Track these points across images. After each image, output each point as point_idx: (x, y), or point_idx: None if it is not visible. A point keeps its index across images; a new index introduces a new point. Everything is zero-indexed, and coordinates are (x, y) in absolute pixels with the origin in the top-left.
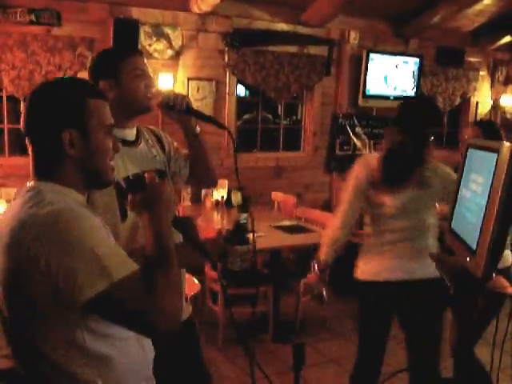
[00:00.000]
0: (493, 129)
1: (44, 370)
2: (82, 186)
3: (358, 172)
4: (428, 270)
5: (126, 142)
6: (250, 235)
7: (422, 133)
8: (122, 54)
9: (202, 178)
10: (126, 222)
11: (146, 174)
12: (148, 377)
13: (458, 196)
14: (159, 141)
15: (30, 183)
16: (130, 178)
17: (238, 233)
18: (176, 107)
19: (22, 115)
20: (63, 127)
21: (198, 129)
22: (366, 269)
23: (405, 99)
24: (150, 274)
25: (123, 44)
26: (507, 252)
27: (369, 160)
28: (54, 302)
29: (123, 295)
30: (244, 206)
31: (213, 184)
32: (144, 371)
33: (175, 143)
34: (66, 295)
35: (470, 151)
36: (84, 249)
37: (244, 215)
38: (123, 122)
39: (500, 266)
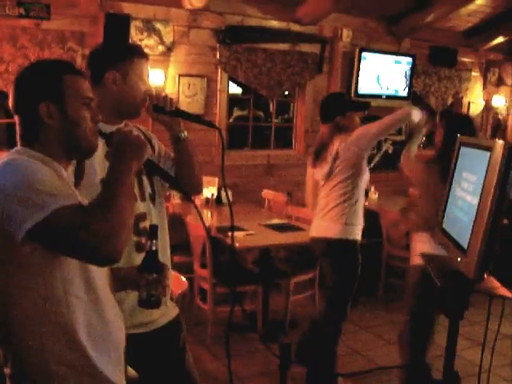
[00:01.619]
0: (458, 122)
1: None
2: (64, 156)
3: None
4: None
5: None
6: (161, 262)
7: None
8: (134, 52)
9: (186, 184)
10: None
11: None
12: (112, 353)
13: (450, 195)
14: (148, 140)
15: (14, 148)
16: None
17: (148, 260)
18: (165, 108)
19: (10, 94)
20: (40, 100)
21: (185, 133)
22: None
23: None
24: (94, 210)
25: (128, 42)
26: None
27: None
28: (7, 248)
29: (58, 223)
30: (152, 234)
31: (196, 191)
32: (104, 343)
33: (163, 146)
34: (7, 234)
35: (462, 149)
36: (24, 186)
37: (155, 242)
38: (112, 118)
39: None
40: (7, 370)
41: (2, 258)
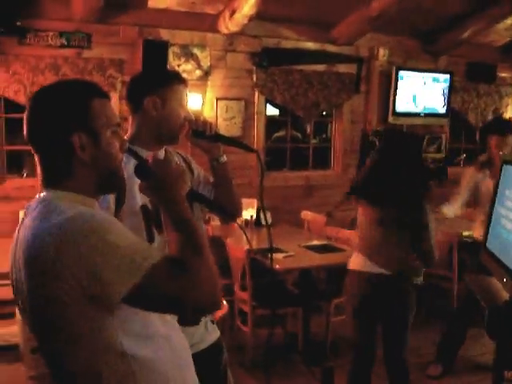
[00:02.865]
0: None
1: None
2: (94, 192)
3: None
4: None
5: None
6: None
7: None
8: (173, 78)
9: (226, 207)
10: (153, 244)
11: (148, 158)
12: (178, 377)
13: (493, 214)
14: (188, 165)
15: (40, 195)
16: (135, 166)
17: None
18: (205, 133)
19: (25, 123)
20: (72, 130)
21: (224, 157)
22: None
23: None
24: (181, 254)
25: (166, 68)
26: None
27: None
28: (88, 310)
29: (156, 283)
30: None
31: (236, 214)
32: (171, 371)
33: (202, 170)
34: (101, 300)
35: (505, 167)
36: (107, 247)
37: None
38: (151, 144)
39: None
40: None
41: (81, 323)
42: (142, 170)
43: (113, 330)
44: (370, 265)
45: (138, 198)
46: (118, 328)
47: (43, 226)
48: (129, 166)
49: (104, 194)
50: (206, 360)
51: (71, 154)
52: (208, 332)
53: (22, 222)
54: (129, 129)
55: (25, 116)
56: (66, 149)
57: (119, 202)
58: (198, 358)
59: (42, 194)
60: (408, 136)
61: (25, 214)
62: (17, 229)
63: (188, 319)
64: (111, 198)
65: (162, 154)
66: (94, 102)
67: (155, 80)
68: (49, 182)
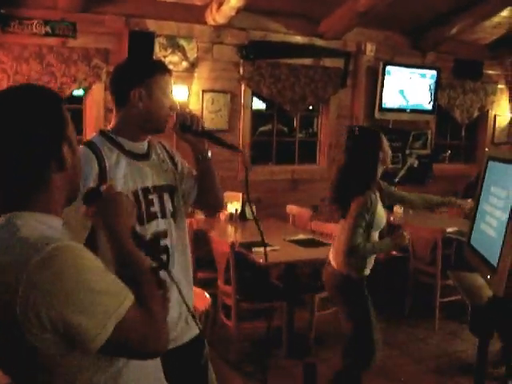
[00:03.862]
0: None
1: None
2: (61, 207)
3: None
4: None
5: (135, 156)
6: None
7: None
8: (158, 68)
9: (208, 203)
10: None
11: (103, 186)
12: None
13: (478, 210)
14: (171, 157)
15: (1, 219)
16: (86, 189)
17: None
18: (192, 128)
19: None
20: (61, 140)
21: (209, 153)
22: None
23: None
24: (141, 298)
25: (152, 58)
26: None
27: None
28: (61, 353)
29: (128, 329)
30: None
31: (219, 207)
32: (154, 373)
33: (186, 163)
34: (74, 344)
35: (491, 163)
36: (83, 294)
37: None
38: (136, 135)
39: None
40: None
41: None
42: (92, 195)
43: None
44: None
45: (119, 188)
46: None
47: (7, 263)
48: (112, 155)
49: (68, 205)
50: (186, 354)
51: (55, 165)
52: (189, 326)
53: None
54: (113, 119)
55: None
56: (47, 161)
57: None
58: (178, 352)
59: (3, 219)
60: (366, 133)
61: None
62: None
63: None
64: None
65: (144, 145)
66: (64, 110)
67: (140, 71)
68: (12, 202)
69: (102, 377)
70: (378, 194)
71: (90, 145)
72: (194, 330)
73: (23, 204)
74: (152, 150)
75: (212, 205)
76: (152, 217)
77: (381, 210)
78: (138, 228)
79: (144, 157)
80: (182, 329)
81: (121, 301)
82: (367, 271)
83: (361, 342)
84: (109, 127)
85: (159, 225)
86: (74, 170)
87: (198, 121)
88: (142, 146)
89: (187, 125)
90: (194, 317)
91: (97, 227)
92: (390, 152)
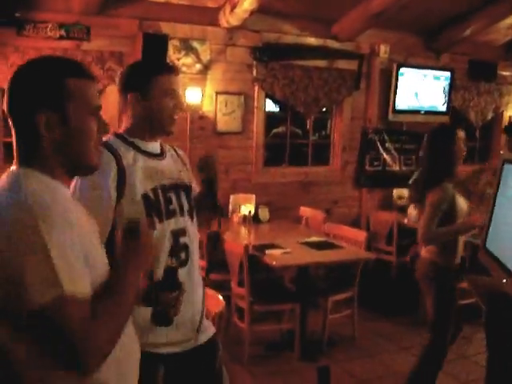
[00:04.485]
0: None
1: None
2: (65, 176)
3: None
4: None
5: (151, 154)
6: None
7: None
8: (155, 69)
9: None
10: (154, 233)
11: (142, 221)
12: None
13: (493, 214)
14: (184, 164)
15: (12, 168)
16: (129, 221)
17: (169, 278)
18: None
19: (4, 97)
20: (38, 109)
21: None
22: None
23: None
24: (99, 302)
25: (157, 59)
26: None
27: None
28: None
29: (65, 313)
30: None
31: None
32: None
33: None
34: (12, 298)
35: (506, 166)
36: (40, 250)
37: (169, 258)
38: (147, 135)
39: None
40: None
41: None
42: (132, 229)
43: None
44: None
45: (139, 186)
46: None
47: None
48: (128, 154)
49: (72, 177)
50: (201, 356)
51: (37, 132)
52: (203, 328)
53: None
54: (124, 122)
55: (6, 88)
56: (32, 127)
57: (120, 192)
58: (193, 354)
59: (12, 168)
60: (441, 129)
61: None
62: None
63: (68, 364)
64: (112, 187)
65: (157, 145)
66: (70, 82)
67: (133, 76)
68: (20, 158)
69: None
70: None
71: (106, 146)
72: (209, 332)
73: (26, 160)
74: (165, 150)
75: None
76: (171, 214)
77: (461, 202)
78: (157, 225)
79: (159, 156)
80: (196, 331)
81: (72, 281)
82: (457, 259)
83: (438, 336)
84: (120, 130)
85: (178, 222)
86: (65, 141)
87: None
88: (155, 146)
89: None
90: (208, 318)
91: (118, 252)
92: (463, 147)
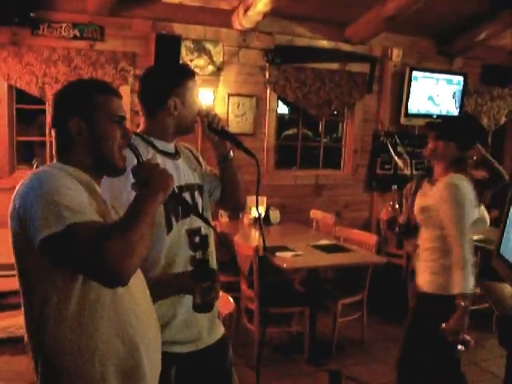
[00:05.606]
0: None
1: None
2: (95, 172)
3: None
4: None
5: (168, 154)
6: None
7: None
8: (188, 75)
9: (231, 203)
10: (170, 233)
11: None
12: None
13: (508, 219)
14: (195, 158)
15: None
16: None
17: (201, 268)
18: (211, 126)
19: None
20: (71, 116)
21: (231, 154)
22: None
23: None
24: (112, 224)
25: (177, 65)
26: None
27: None
28: (31, 252)
29: (72, 240)
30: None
31: (241, 208)
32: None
33: (208, 166)
34: (29, 239)
35: None
36: (45, 195)
37: (199, 252)
38: (168, 136)
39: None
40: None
41: (32, 262)
42: (137, 167)
43: (61, 282)
44: None
45: None
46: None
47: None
48: (147, 153)
49: (100, 175)
50: (211, 356)
51: (70, 135)
52: (214, 328)
53: None
54: (143, 123)
55: (52, 101)
56: (66, 131)
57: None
58: (204, 353)
59: (52, 162)
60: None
61: None
62: None
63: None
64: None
65: (172, 146)
66: (97, 97)
67: (172, 80)
68: (57, 156)
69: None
70: None
71: (127, 144)
72: (220, 331)
73: (61, 158)
74: (179, 150)
75: (234, 205)
76: (186, 214)
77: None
78: (174, 225)
79: (174, 155)
80: (207, 330)
81: (73, 214)
82: None
83: None
84: (138, 130)
85: (193, 222)
86: (92, 144)
87: (219, 120)
88: (171, 146)
89: (212, 124)
90: (219, 318)
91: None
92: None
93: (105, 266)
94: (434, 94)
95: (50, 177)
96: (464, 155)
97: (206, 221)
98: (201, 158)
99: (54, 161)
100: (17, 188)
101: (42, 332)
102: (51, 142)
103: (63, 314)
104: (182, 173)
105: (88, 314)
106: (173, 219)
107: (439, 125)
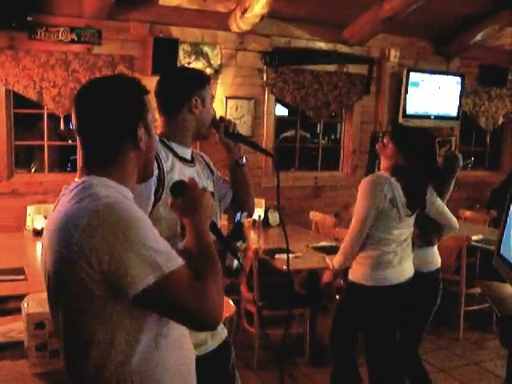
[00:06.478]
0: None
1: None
2: (134, 181)
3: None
4: None
5: (186, 161)
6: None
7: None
8: (207, 78)
9: (242, 208)
10: (185, 240)
11: (187, 180)
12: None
13: (508, 219)
14: (207, 165)
15: (81, 179)
16: (173, 182)
17: (238, 229)
18: (228, 131)
19: (75, 114)
20: (139, 121)
21: (244, 159)
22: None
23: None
24: (197, 269)
25: (197, 70)
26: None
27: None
28: (106, 297)
29: (172, 289)
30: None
31: (252, 213)
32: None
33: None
34: (117, 288)
35: None
36: (135, 241)
37: (239, 214)
38: (187, 141)
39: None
40: None
41: (88, 308)
42: (178, 187)
43: (130, 323)
44: None
45: None
46: (135, 323)
47: (76, 208)
48: (168, 159)
49: (141, 183)
50: (214, 360)
51: (131, 143)
52: (217, 332)
53: (58, 201)
54: (163, 125)
55: (79, 106)
56: (129, 138)
57: (157, 194)
58: (207, 357)
59: (82, 178)
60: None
61: (62, 194)
62: (53, 207)
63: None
64: (152, 191)
65: (190, 152)
66: (146, 97)
67: (195, 81)
68: (93, 168)
69: (139, 341)
70: None
71: None
72: (222, 335)
73: (101, 171)
74: (194, 157)
75: (247, 208)
76: None
77: None
78: None
79: (190, 162)
80: (211, 334)
81: (168, 260)
82: None
83: None
84: (158, 132)
85: None
86: (147, 150)
87: (235, 125)
88: (188, 152)
89: (229, 129)
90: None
91: (180, 218)
92: None
93: (211, 310)
94: (432, 94)
95: (125, 212)
96: (411, 168)
97: (233, 252)
98: (212, 165)
99: (85, 176)
100: (64, 222)
101: (101, 368)
102: (49, 147)
103: (131, 352)
104: (200, 180)
105: (156, 348)
106: None
107: (397, 131)
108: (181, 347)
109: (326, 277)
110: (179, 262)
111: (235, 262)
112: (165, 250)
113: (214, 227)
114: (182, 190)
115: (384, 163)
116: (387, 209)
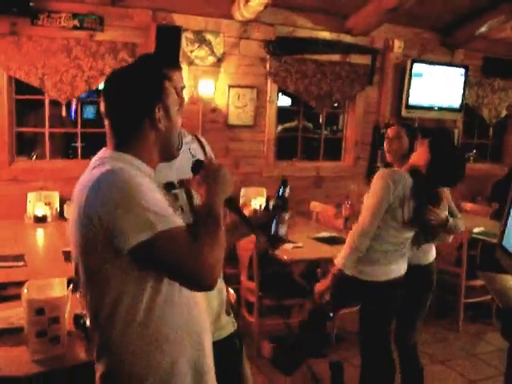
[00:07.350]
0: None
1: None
2: (156, 161)
3: None
4: None
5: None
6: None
7: None
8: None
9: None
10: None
11: (204, 160)
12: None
13: (511, 211)
14: (202, 147)
15: (103, 153)
16: (193, 161)
17: (284, 201)
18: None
19: (103, 96)
20: (155, 104)
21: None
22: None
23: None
24: (195, 230)
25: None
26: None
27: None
28: (113, 256)
29: (165, 247)
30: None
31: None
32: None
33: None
34: (117, 246)
35: None
36: (131, 201)
37: (282, 188)
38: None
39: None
40: (102, 368)
41: (107, 267)
42: (197, 165)
43: (138, 281)
44: None
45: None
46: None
47: (87, 176)
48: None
49: (162, 161)
50: (228, 346)
51: (143, 123)
52: (219, 326)
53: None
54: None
55: (107, 88)
56: (140, 118)
57: (190, 199)
58: (221, 343)
59: (103, 153)
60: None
61: (89, 166)
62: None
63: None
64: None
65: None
66: (165, 82)
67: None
68: (117, 145)
69: (141, 299)
70: None
71: None
72: (230, 327)
73: (121, 146)
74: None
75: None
76: (176, 210)
77: None
78: None
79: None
80: (225, 319)
81: (163, 221)
82: None
83: None
84: None
85: (185, 219)
86: (167, 132)
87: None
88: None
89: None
90: (232, 309)
91: (200, 195)
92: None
93: (203, 271)
94: (436, 86)
95: (126, 176)
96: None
97: (281, 221)
98: (207, 147)
99: (110, 150)
100: (80, 188)
101: (110, 329)
102: (50, 134)
103: (133, 315)
104: (177, 167)
105: (157, 315)
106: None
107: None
108: (186, 315)
109: (320, 286)
110: (176, 223)
111: (283, 230)
112: (162, 213)
113: (230, 202)
114: (200, 166)
115: (395, 158)
116: (393, 208)
